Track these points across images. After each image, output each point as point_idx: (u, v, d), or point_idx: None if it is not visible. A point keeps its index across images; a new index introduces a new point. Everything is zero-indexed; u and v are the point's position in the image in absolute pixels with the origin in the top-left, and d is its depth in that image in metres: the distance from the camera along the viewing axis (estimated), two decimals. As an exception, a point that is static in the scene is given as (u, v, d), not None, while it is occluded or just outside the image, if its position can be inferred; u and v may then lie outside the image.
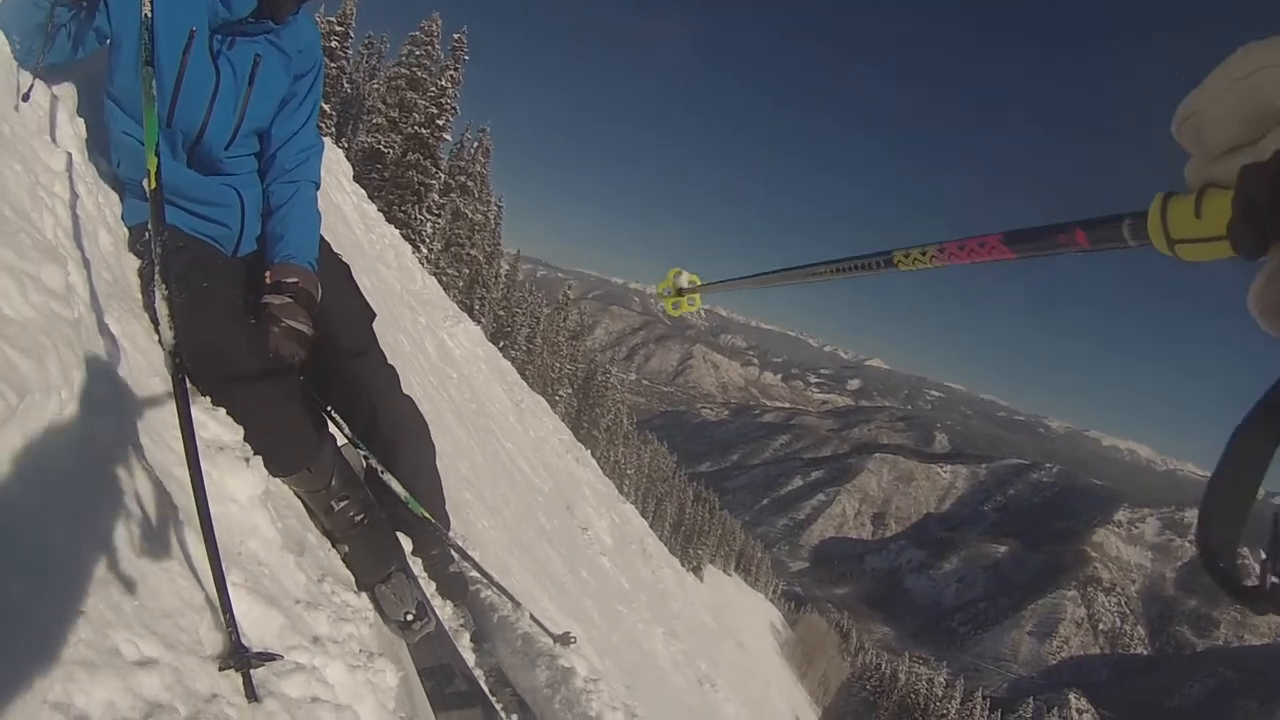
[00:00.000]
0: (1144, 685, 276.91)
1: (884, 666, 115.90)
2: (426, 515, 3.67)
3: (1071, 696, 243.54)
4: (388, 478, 3.51)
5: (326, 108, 39.21)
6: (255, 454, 2.88)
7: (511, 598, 4.13)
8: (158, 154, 2.66)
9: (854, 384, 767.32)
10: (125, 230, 3.27)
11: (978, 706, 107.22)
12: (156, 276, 2.53)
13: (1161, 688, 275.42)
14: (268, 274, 3.26)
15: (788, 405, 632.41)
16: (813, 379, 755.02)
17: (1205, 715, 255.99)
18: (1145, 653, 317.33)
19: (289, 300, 3.16)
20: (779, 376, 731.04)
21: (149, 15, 2.74)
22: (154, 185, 2.61)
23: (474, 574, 4.25)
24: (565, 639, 4.15)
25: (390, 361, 3.70)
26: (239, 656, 2.04)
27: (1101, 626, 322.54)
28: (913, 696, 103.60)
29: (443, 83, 38.93)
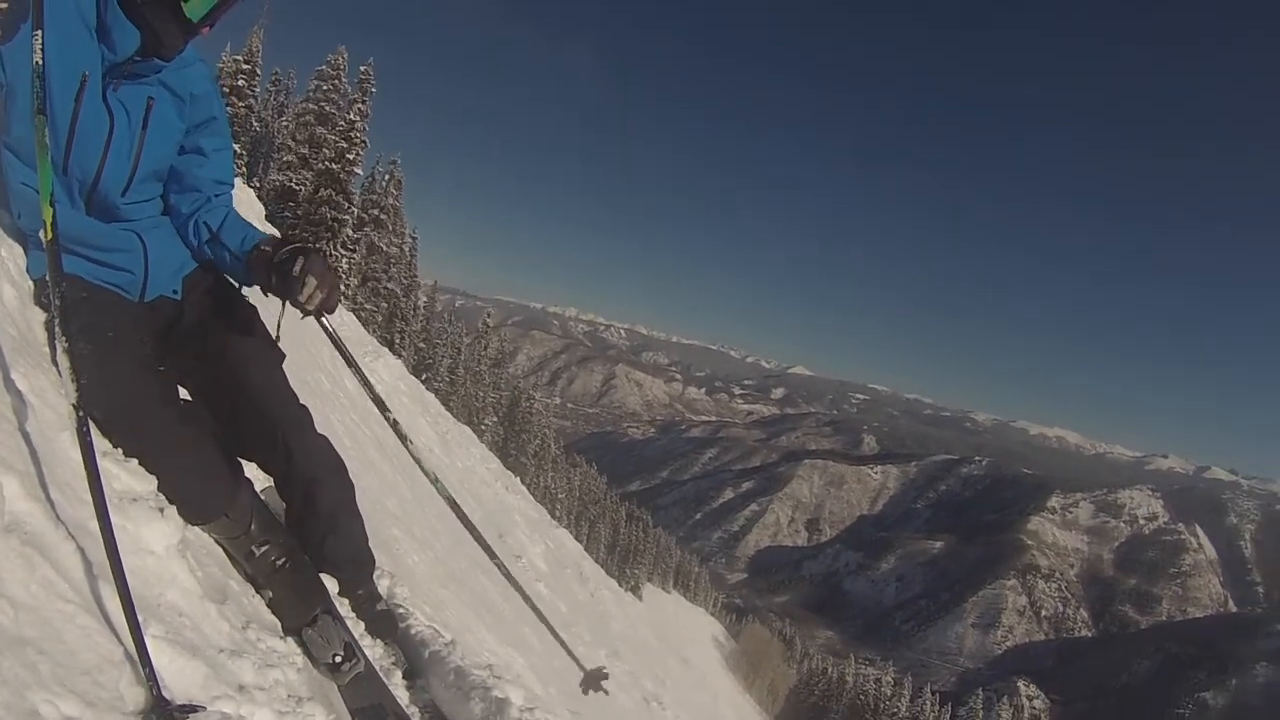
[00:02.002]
0: (1091, 667, 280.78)
1: (830, 670, 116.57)
2: (452, 499, 3.66)
3: (1020, 684, 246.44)
4: (415, 449, 3.47)
5: (236, 147, 38.81)
6: (170, 503, 2.83)
7: (510, 580, 4.09)
8: (53, 204, 2.62)
9: (778, 392, 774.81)
10: (30, 283, 3.21)
11: (928, 702, 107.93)
12: (57, 329, 2.49)
13: (1109, 668, 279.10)
14: (263, 246, 3.36)
15: (714, 418, 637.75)
16: (737, 390, 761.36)
17: (1155, 691, 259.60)
18: (1090, 635, 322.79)
19: (308, 244, 3.24)
20: (703, 390, 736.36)
21: (40, 63, 2.70)
22: (50, 236, 2.57)
23: (404, 610, 4.22)
24: (598, 675, 4.22)
25: (307, 401, 3.63)
26: (161, 710, 2.00)
27: (1044, 613, 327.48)
28: (863, 698, 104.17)
29: (351, 116, 38.81)
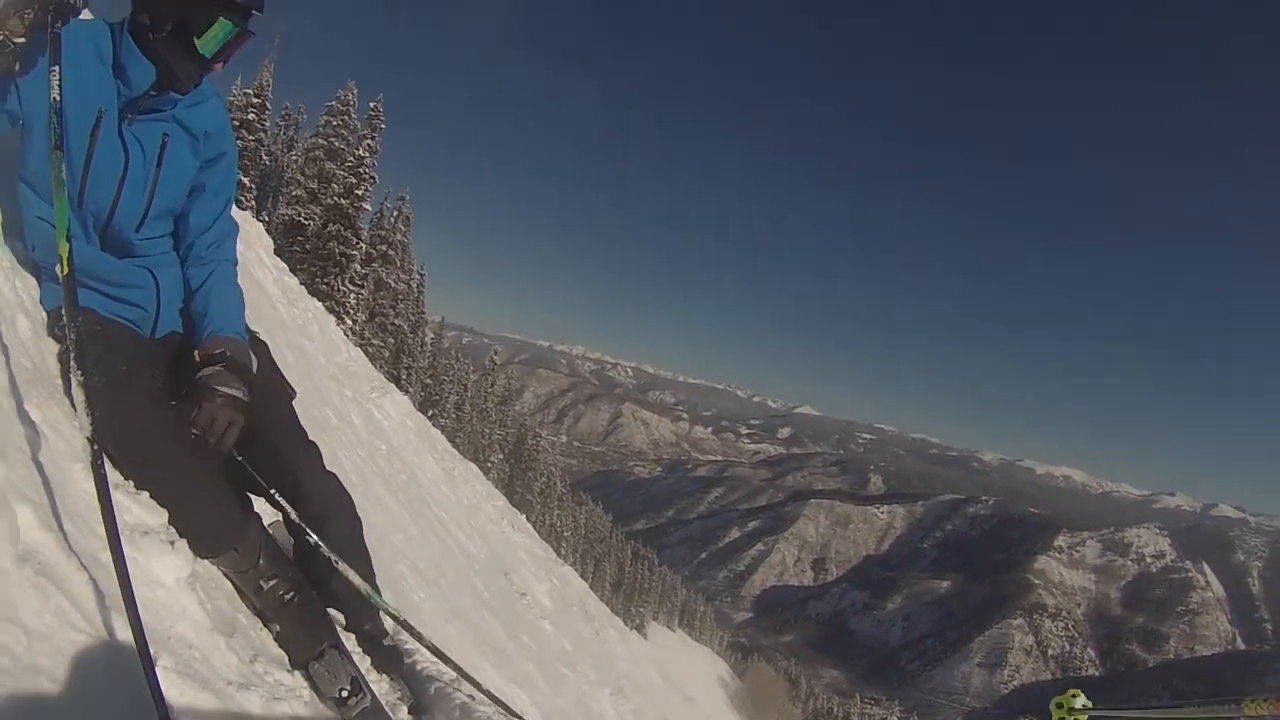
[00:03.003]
0: (1099, 705, 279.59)
1: (836, 710, 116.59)
2: (391, 612, 3.65)
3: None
4: (343, 567, 3.45)
5: (245, 180, 38.95)
6: (180, 536, 2.85)
7: (457, 667, 4.09)
8: (69, 238, 2.65)
9: (785, 432, 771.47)
10: (44, 314, 3.25)
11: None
12: (72, 362, 2.52)
13: (1117, 706, 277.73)
14: (196, 354, 3.25)
15: (720, 458, 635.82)
16: (743, 430, 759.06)
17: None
18: (1097, 673, 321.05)
19: (219, 369, 3.14)
20: (709, 429, 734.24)
21: (57, 99, 2.75)
22: (66, 270, 2.61)
23: (410, 645, 4.22)
24: None
25: (315, 437, 3.65)
26: (172, 741, 2.02)
27: (1051, 651, 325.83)
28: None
29: (360, 152, 38.92)
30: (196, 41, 3.10)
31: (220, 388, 3.09)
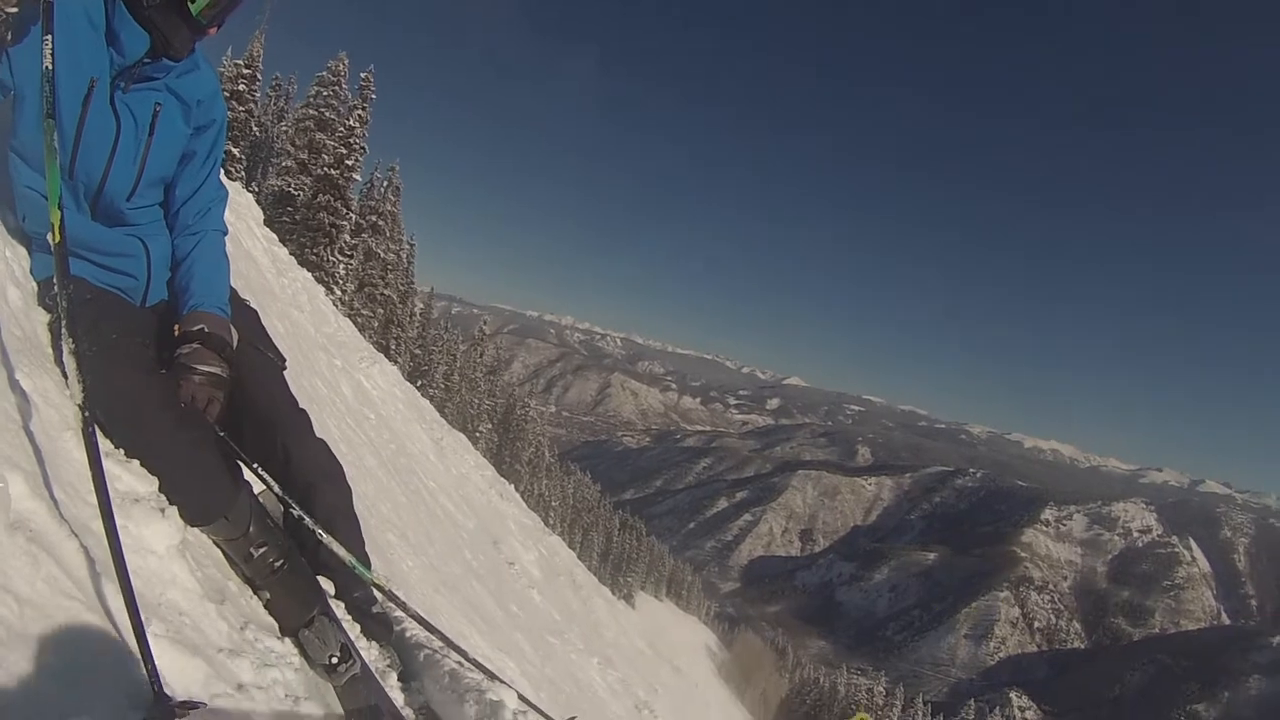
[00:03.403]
0: (1084, 678, 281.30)
1: (823, 680, 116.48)
2: (377, 583, 3.65)
3: (1012, 695, 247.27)
4: (328, 540, 3.46)
5: (235, 151, 38.79)
6: (171, 504, 2.85)
7: (444, 637, 4.09)
8: (61, 207, 2.65)
9: (773, 403, 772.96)
10: (34, 284, 3.25)
11: (919, 712, 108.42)
12: (63, 330, 2.52)
13: (1101, 679, 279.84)
14: (175, 328, 3.24)
15: (708, 428, 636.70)
16: (732, 401, 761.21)
17: (1147, 702, 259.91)
18: (1082, 646, 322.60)
19: (197, 347, 3.14)
20: (698, 400, 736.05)
21: (50, 67, 2.73)
22: (58, 239, 2.60)
23: (400, 613, 4.23)
24: None
25: (305, 406, 3.65)
26: (162, 706, 2.02)
27: (1037, 624, 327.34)
28: (854, 708, 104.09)
29: (351, 122, 38.76)
30: (190, 5, 3.09)
31: (199, 365, 3.10)
